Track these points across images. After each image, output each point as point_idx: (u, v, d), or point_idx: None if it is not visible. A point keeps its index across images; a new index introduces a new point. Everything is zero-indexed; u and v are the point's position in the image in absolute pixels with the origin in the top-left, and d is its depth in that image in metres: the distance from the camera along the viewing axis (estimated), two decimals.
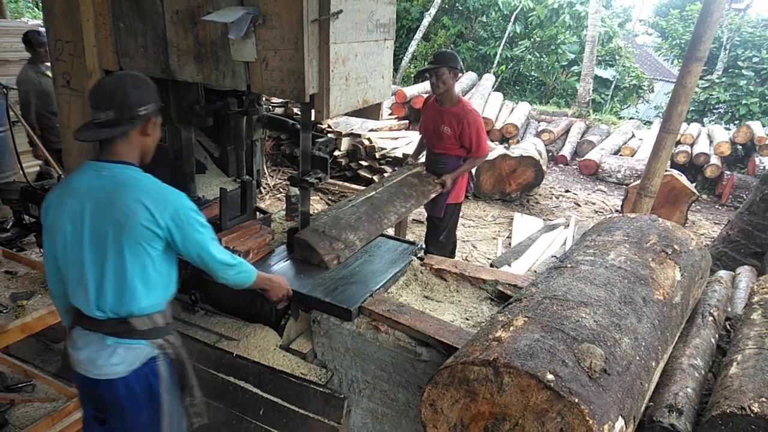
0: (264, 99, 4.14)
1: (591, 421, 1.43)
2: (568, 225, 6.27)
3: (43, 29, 3.00)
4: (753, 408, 1.69)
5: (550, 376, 1.49)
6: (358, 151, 7.30)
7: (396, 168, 6.54)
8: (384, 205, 3.23)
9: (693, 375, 2.03)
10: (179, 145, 2.90)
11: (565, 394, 1.45)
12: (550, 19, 14.69)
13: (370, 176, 7.00)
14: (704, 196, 8.51)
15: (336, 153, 7.28)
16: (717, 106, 13.65)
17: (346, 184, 6.96)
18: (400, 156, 6.65)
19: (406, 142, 7.42)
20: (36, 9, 14.87)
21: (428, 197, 3.78)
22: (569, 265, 2.16)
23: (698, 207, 8.06)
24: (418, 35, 14.15)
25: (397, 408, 2.38)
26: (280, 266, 2.69)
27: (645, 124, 12.29)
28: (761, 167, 8.53)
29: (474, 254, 5.79)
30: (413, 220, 6.30)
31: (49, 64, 3.14)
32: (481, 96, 10.63)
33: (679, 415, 1.81)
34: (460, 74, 3.95)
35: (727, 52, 13.83)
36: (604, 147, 9.80)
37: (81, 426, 2.17)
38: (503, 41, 15.08)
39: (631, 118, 13.00)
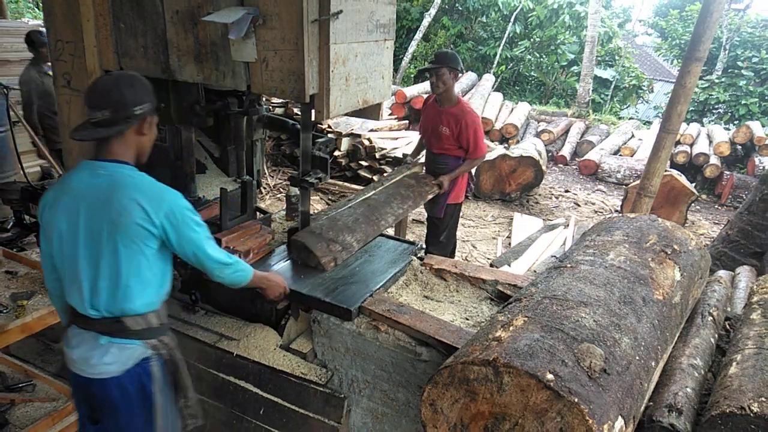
0: (264, 99, 4.14)
1: (591, 421, 1.43)
2: (568, 225, 6.28)
3: (44, 29, 3.01)
4: (752, 408, 1.70)
5: (549, 376, 1.49)
6: (358, 151, 7.30)
7: (395, 167, 6.54)
8: (381, 206, 3.23)
9: (692, 375, 2.03)
10: (179, 145, 2.90)
11: (565, 394, 1.46)
12: (549, 19, 14.70)
13: (370, 176, 7.01)
14: (704, 196, 8.52)
15: (336, 153, 7.29)
16: (716, 107, 13.65)
17: (346, 184, 6.97)
18: (400, 156, 6.65)
19: (406, 142, 7.43)
20: (36, 9, 14.87)
21: (425, 198, 3.78)
22: (569, 265, 2.16)
23: (698, 207, 8.07)
24: (418, 35, 14.15)
25: (397, 408, 2.39)
26: (280, 266, 2.69)
27: (644, 124, 12.30)
28: (761, 167, 8.53)
29: (474, 254, 5.79)
30: (413, 220, 6.31)
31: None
32: (481, 96, 10.63)
33: (678, 415, 1.81)
34: (460, 75, 3.95)
35: (726, 52, 13.84)
36: (604, 147, 9.80)
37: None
38: (503, 41, 15.09)
39: (630, 119, 13.01)
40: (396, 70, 13.51)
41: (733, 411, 1.71)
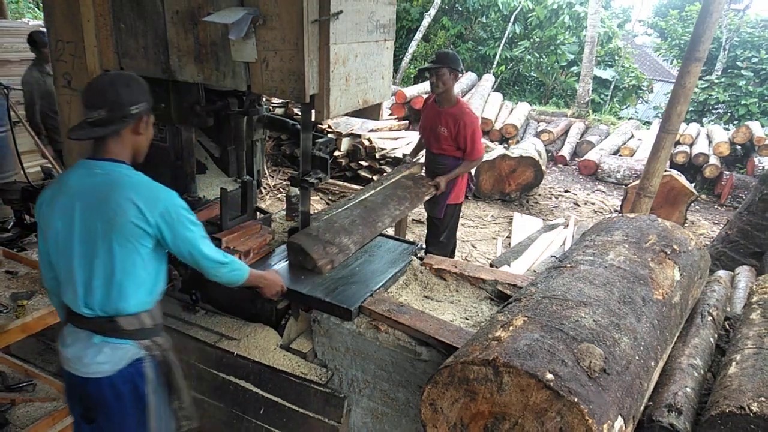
0: (264, 99, 4.14)
1: (590, 421, 1.43)
2: (568, 225, 6.28)
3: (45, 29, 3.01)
4: (752, 407, 1.70)
5: (549, 376, 1.49)
6: (358, 151, 7.31)
7: (395, 167, 6.54)
8: (378, 208, 3.22)
9: (692, 375, 2.04)
10: (180, 145, 2.90)
11: (565, 394, 1.46)
12: (549, 19, 14.70)
13: (370, 176, 7.01)
14: (703, 196, 8.52)
15: (336, 153, 7.29)
16: (716, 107, 13.66)
17: (346, 184, 6.97)
18: (400, 156, 6.66)
19: (405, 142, 7.43)
20: (37, 9, 14.87)
21: (422, 199, 3.78)
22: (569, 265, 2.16)
23: (697, 207, 8.07)
24: (418, 36, 14.15)
25: (397, 407, 2.39)
26: (281, 266, 2.69)
27: (644, 124, 12.30)
28: (760, 167, 8.54)
29: (474, 254, 5.79)
30: (413, 220, 6.31)
31: None
32: (481, 96, 10.64)
33: (678, 415, 1.81)
34: (459, 75, 3.95)
35: (726, 52, 13.84)
36: (604, 147, 9.80)
37: None
38: (503, 42, 15.09)
39: (630, 119, 13.01)
40: (396, 70, 13.51)
41: (732, 411, 1.72)
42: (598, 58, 14.28)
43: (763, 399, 1.72)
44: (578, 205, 7.79)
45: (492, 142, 9.45)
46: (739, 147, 9.39)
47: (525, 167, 7.45)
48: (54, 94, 4.75)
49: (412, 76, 14.48)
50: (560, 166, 9.79)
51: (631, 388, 1.63)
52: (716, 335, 2.41)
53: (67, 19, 2.66)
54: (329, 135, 5.06)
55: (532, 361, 1.54)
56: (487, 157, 7.47)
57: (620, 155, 9.67)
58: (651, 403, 1.89)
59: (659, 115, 14.03)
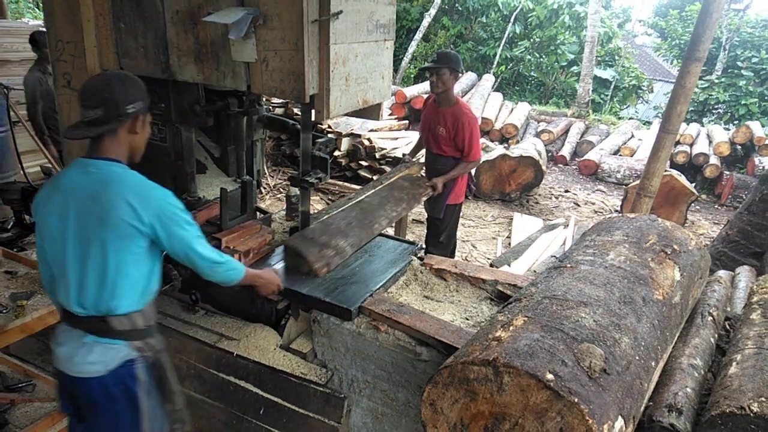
0: (264, 99, 4.14)
1: (590, 421, 1.43)
2: (568, 225, 6.28)
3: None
4: (752, 408, 1.70)
5: (549, 376, 1.49)
6: (358, 151, 7.30)
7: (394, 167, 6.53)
8: (375, 209, 3.18)
9: (692, 375, 2.03)
10: (180, 145, 2.90)
11: (565, 394, 1.46)
12: (549, 19, 14.69)
13: (370, 176, 7.01)
14: (703, 196, 8.52)
15: (336, 153, 7.29)
16: (716, 107, 13.65)
17: (346, 184, 6.97)
18: (400, 156, 6.65)
19: (405, 142, 7.43)
20: (37, 9, 14.87)
21: (419, 200, 3.75)
22: (569, 265, 2.16)
23: (697, 207, 8.07)
24: (418, 36, 14.15)
25: (397, 407, 2.39)
26: (280, 265, 2.69)
27: (644, 124, 12.30)
28: (760, 167, 8.53)
29: (474, 254, 5.79)
30: (413, 220, 6.31)
31: None
32: (481, 96, 10.63)
33: (678, 415, 1.81)
34: (460, 75, 3.95)
35: (726, 52, 13.84)
36: (604, 147, 9.80)
37: None
38: (503, 42, 15.08)
39: (630, 119, 13.00)
40: (396, 70, 13.51)
41: (733, 411, 1.72)
42: (599, 58, 14.28)
43: (763, 399, 1.72)
44: (578, 205, 7.79)
45: (492, 142, 9.45)
46: (739, 147, 9.38)
47: (525, 167, 7.45)
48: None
49: (412, 76, 14.49)
50: (560, 166, 9.79)
51: (631, 389, 1.63)
52: (716, 335, 2.41)
53: (67, 19, 2.66)
54: (329, 135, 5.06)
55: (532, 362, 1.54)
56: (487, 157, 7.47)
57: (620, 155, 9.66)
58: (651, 403, 1.88)
59: (659, 115, 14.03)
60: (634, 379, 1.67)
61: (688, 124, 10.04)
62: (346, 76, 2.41)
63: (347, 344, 2.41)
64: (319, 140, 2.77)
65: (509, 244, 6.02)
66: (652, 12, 20.86)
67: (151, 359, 1.94)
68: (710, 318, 2.44)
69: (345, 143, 7.31)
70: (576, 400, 1.45)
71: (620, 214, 3.30)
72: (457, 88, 9.98)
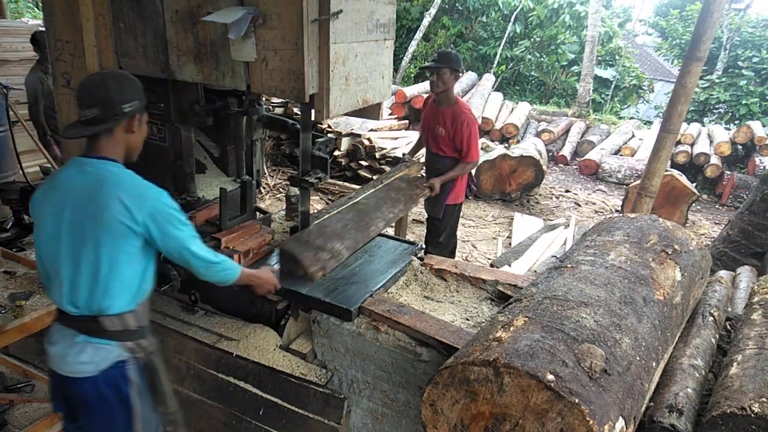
0: (264, 99, 4.13)
1: (591, 422, 1.42)
2: (569, 225, 6.27)
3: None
4: (753, 408, 1.69)
5: (550, 377, 1.49)
6: (358, 151, 7.30)
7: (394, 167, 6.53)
8: (371, 211, 3.12)
9: (693, 375, 2.03)
10: (179, 145, 2.89)
11: (566, 395, 1.45)
12: (550, 19, 14.69)
13: (370, 176, 7.00)
14: (704, 196, 8.51)
15: (336, 153, 7.28)
16: (717, 106, 13.64)
17: (346, 184, 6.96)
18: (400, 156, 6.65)
19: (406, 142, 7.42)
20: (36, 9, 14.86)
21: (416, 202, 3.72)
22: (569, 265, 2.15)
23: (698, 207, 8.06)
24: (418, 35, 14.14)
25: (397, 408, 2.38)
26: (278, 266, 2.68)
27: (645, 124, 12.29)
28: (761, 167, 8.52)
29: (474, 254, 5.78)
30: (413, 220, 6.30)
31: None
32: (481, 96, 10.63)
33: (679, 416, 1.80)
34: (460, 75, 3.94)
35: (727, 52, 13.83)
36: (604, 147, 9.79)
37: None
38: (503, 41, 15.08)
39: (631, 118, 13.00)
40: (396, 69, 13.51)
41: (733, 411, 1.71)
42: (599, 58, 14.27)
43: (764, 399, 1.72)
44: (579, 205, 7.79)
45: (492, 141, 9.44)
46: (740, 147, 9.37)
47: (526, 167, 7.45)
48: None
49: (412, 75, 14.49)
50: (561, 165, 9.78)
51: (632, 389, 1.62)
52: (717, 335, 2.40)
53: (67, 18, 2.65)
54: (329, 135, 5.05)
55: (532, 362, 1.53)
56: (487, 156, 7.46)
57: (621, 155, 9.66)
58: (652, 403, 1.88)
59: (660, 114, 14.01)
60: (635, 380, 1.66)
61: (688, 124, 10.03)
62: (346, 75, 2.41)
63: (347, 345, 2.40)
64: (319, 140, 2.76)
65: (510, 244, 6.01)
66: (652, 11, 20.84)
67: (143, 361, 1.93)
68: (711, 318, 2.44)
69: (345, 143, 7.30)
70: (577, 400, 1.44)
71: (621, 214, 3.29)
72: (458, 87, 9.97)
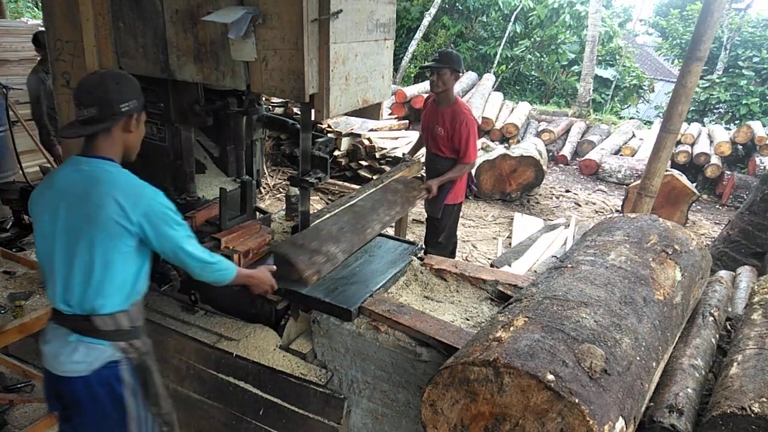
0: (264, 99, 4.13)
1: (591, 422, 1.42)
2: (569, 225, 6.27)
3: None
4: (753, 408, 1.69)
5: (550, 377, 1.49)
6: (358, 150, 7.30)
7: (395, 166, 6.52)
8: (367, 213, 3.06)
9: (693, 375, 2.03)
10: (179, 144, 2.89)
11: (566, 395, 1.45)
12: (550, 18, 14.68)
13: (370, 176, 7.00)
14: (705, 196, 8.51)
15: (336, 153, 7.28)
16: (717, 106, 13.63)
17: (346, 184, 6.96)
18: (400, 156, 6.64)
19: (406, 142, 7.42)
20: (36, 9, 14.86)
21: (413, 204, 3.69)
22: (569, 265, 2.15)
23: (699, 207, 8.06)
24: (418, 35, 14.14)
25: (397, 408, 2.38)
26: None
27: (645, 124, 12.28)
28: (762, 167, 8.52)
29: (474, 254, 5.78)
30: (413, 220, 6.30)
31: None
32: (482, 96, 10.62)
33: (679, 416, 1.80)
34: (460, 75, 3.93)
35: (727, 51, 13.82)
36: (605, 147, 9.79)
37: None
38: (503, 41, 15.07)
39: (631, 118, 12.99)
40: (396, 69, 13.50)
41: (734, 411, 1.71)
42: (599, 58, 14.27)
43: (764, 399, 1.72)
44: (579, 205, 7.78)
45: (493, 141, 9.44)
46: (740, 147, 9.37)
47: (526, 167, 7.44)
48: None
49: (413, 75, 14.48)
50: (561, 165, 9.78)
51: (632, 389, 1.62)
52: (717, 336, 2.40)
53: (66, 18, 2.65)
54: (329, 134, 5.05)
55: (532, 362, 1.53)
56: (487, 156, 7.46)
57: (621, 155, 9.65)
58: (652, 403, 1.88)
59: (660, 114, 14.01)
60: (635, 380, 1.66)
61: (689, 124, 10.02)
62: (346, 75, 2.40)
63: (347, 345, 2.40)
64: (319, 140, 2.76)
65: (510, 244, 6.01)
66: (653, 11, 20.85)
67: (136, 361, 1.92)
68: (711, 318, 2.44)
69: (345, 143, 7.30)
70: (577, 400, 1.44)
71: (621, 214, 3.29)
72: (458, 87, 9.96)
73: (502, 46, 15.04)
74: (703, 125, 10.70)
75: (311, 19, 2.15)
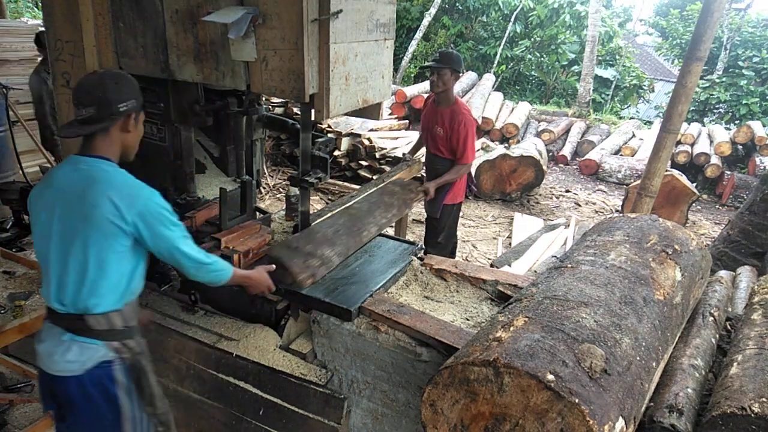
0: (264, 99, 4.13)
1: (591, 422, 1.42)
2: (569, 225, 6.27)
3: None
4: (753, 408, 1.69)
5: (550, 377, 1.49)
6: (358, 151, 7.29)
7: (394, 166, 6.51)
8: (364, 216, 3.03)
9: (693, 375, 2.03)
10: (179, 144, 2.89)
11: (566, 395, 1.45)
12: (550, 18, 14.68)
13: (370, 176, 6.99)
14: (705, 196, 8.51)
15: (336, 153, 7.28)
16: (717, 106, 13.63)
17: (346, 184, 6.96)
18: (400, 156, 6.64)
19: (406, 142, 7.42)
20: (36, 9, 14.86)
21: (411, 206, 3.67)
22: (569, 265, 2.15)
23: (699, 207, 8.05)
24: (418, 35, 14.14)
25: (397, 408, 2.38)
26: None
27: (645, 124, 12.28)
28: (762, 167, 8.52)
29: (474, 254, 5.78)
30: (413, 220, 6.30)
31: None
32: (482, 96, 10.62)
33: (679, 416, 1.80)
34: (460, 75, 3.93)
35: (727, 51, 13.82)
36: (605, 147, 9.79)
37: None
38: (503, 41, 15.07)
39: (631, 118, 12.99)
40: (396, 69, 13.50)
41: (734, 411, 1.71)
42: (599, 58, 14.27)
43: (764, 399, 1.72)
44: (579, 205, 7.78)
45: (493, 141, 9.44)
46: (740, 147, 9.37)
47: (526, 167, 7.44)
48: None
49: (413, 75, 14.48)
50: (561, 165, 9.78)
51: (632, 389, 1.62)
52: (717, 336, 2.40)
53: (66, 18, 2.65)
54: (329, 134, 5.05)
55: (532, 362, 1.53)
56: (487, 156, 7.46)
57: (621, 155, 9.65)
58: (652, 403, 1.88)
59: (660, 114, 14.01)
60: (635, 380, 1.66)
61: (689, 124, 10.02)
62: (346, 75, 2.41)
63: (347, 345, 2.40)
64: (319, 140, 2.76)
65: (510, 244, 6.01)
66: (653, 11, 20.84)
67: (130, 361, 1.92)
68: (711, 318, 2.44)
69: (345, 143, 7.30)
70: (577, 400, 1.44)
71: (621, 214, 3.29)
72: (458, 87, 9.96)
73: (502, 46, 15.04)
74: (703, 125, 10.70)
75: (311, 19, 2.15)
